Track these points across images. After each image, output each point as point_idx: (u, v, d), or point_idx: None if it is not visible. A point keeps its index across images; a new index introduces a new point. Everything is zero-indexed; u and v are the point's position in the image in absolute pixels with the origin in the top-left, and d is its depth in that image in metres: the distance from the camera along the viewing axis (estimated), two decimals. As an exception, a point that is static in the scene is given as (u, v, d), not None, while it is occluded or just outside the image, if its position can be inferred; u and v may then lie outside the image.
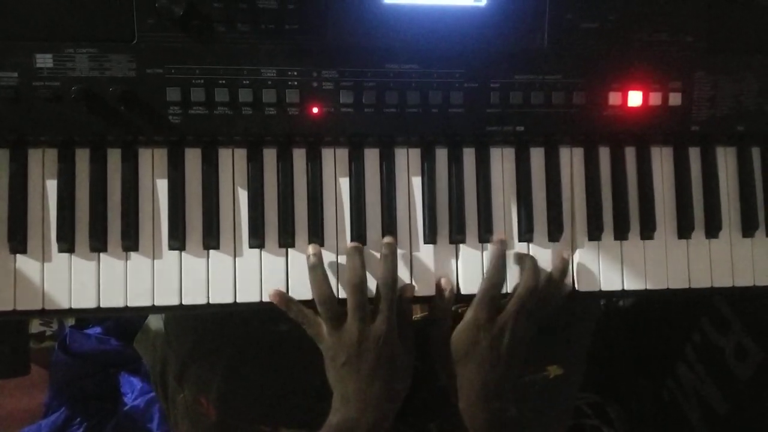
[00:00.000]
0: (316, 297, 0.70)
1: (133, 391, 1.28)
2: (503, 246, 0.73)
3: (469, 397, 0.71)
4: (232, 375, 0.81)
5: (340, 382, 0.70)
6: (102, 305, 0.70)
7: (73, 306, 0.70)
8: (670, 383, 1.30)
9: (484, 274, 0.74)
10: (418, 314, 0.82)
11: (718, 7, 0.74)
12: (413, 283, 0.75)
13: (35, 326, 1.35)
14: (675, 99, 0.75)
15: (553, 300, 0.75)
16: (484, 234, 0.75)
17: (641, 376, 1.37)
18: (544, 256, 0.76)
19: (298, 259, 0.73)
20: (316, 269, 0.70)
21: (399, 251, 0.74)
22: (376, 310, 0.70)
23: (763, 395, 1.07)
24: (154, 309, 0.71)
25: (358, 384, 0.69)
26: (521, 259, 0.75)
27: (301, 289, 0.72)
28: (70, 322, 1.33)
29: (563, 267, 0.75)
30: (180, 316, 0.84)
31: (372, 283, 0.72)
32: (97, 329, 1.32)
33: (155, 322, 0.89)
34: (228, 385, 0.81)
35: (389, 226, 0.74)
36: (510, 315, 0.71)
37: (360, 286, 0.69)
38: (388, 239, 0.72)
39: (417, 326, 0.74)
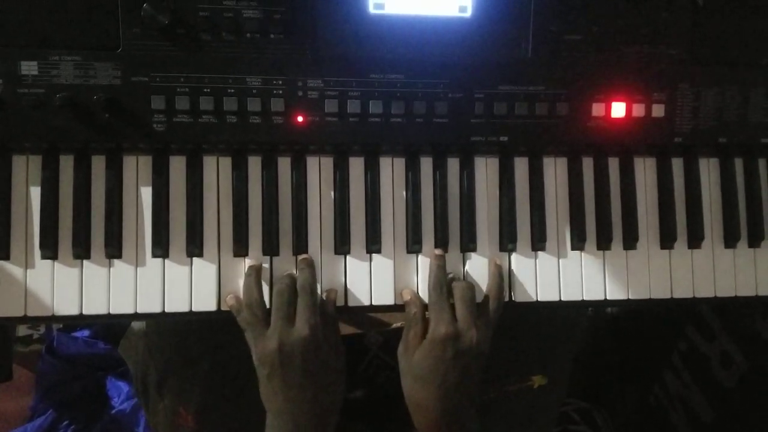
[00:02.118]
0: (245, 300, 0.70)
1: (120, 394, 1.28)
2: (441, 260, 0.73)
3: (429, 417, 0.70)
4: (212, 386, 0.81)
5: (270, 398, 0.69)
6: (85, 312, 0.70)
7: (55, 313, 0.70)
8: (657, 390, 1.30)
9: (430, 289, 0.73)
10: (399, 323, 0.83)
11: (701, 19, 0.75)
12: (403, 290, 0.75)
13: (22, 330, 1.34)
14: (658, 110, 0.75)
15: (491, 312, 0.73)
16: (468, 244, 0.75)
17: (628, 383, 1.38)
18: (528, 265, 0.77)
19: (282, 267, 0.73)
20: (250, 276, 0.70)
21: (385, 260, 0.75)
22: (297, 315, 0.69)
23: (748, 403, 1.07)
24: (136, 316, 0.71)
25: (288, 395, 0.68)
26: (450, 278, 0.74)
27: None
28: (58, 325, 1.33)
29: (496, 272, 0.75)
30: (160, 326, 0.84)
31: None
32: (85, 332, 1.32)
33: (138, 329, 0.88)
34: (207, 397, 0.81)
35: (373, 235, 0.74)
36: (470, 325, 0.69)
37: (283, 290, 0.69)
38: (303, 256, 0.73)
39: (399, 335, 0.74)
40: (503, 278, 0.75)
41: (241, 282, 0.72)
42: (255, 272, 0.71)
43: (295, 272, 0.72)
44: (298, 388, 0.68)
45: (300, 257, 0.72)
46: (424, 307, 0.72)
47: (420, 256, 0.75)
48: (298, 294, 0.69)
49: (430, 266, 0.73)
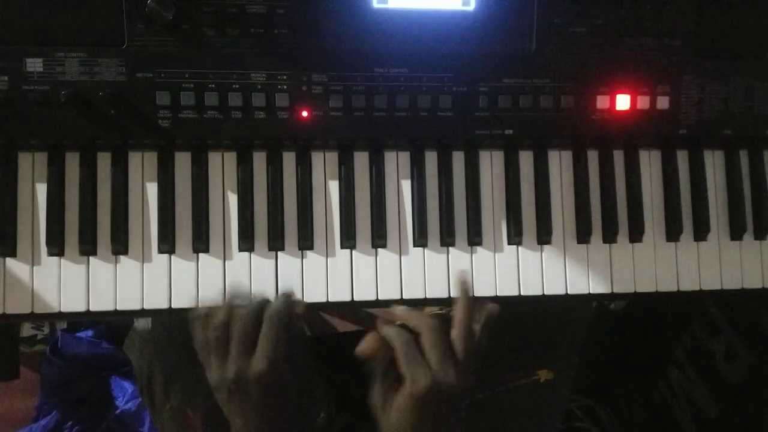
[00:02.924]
0: (212, 321, 0.64)
1: (124, 394, 1.28)
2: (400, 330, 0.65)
3: None
4: None
5: (230, 416, 0.66)
6: (91, 309, 0.70)
7: (62, 309, 0.70)
8: (661, 386, 1.30)
9: (397, 344, 0.63)
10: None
11: (705, 11, 0.75)
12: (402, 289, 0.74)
13: (26, 330, 1.35)
14: (663, 102, 0.75)
15: (468, 348, 0.65)
16: (474, 237, 0.75)
17: (632, 379, 1.38)
18: (534, 258, 0.77)
19: (288, 262, 0.73)
20: (229, 297, 0.66)
21: (391, 254, 0.75)
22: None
23: (753, 398, 1.07)
24: (143, 312, 0.71)
25: (247, 419, 0.64)
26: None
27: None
28: (62, 325, 1.33)
29: (464, 287, 0.68)
30: (167, 325, 0.83)
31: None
32: (89, 332, 1.32)
33: (141, 328, 0.88)
34: (215, 399, 0.80)
35: (379, 230, 0.74)
36: (448, 370, 0.62)
37: (247, 318, 0.63)
38: (285, 291, 0.67)
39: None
40: (469, 297, 0.68)
41: (246, 278, 0.72)
42: (231, 295, 0.66)
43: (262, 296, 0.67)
44: (256, 415, 0.64)
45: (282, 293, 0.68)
46: (391, 352, 0.64)
47: (426, 250, 0.75)
48: (263, 323, 0.63)
49: (390, 333, 0.65)
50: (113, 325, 1.30)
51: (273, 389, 0.64)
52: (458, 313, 0.66)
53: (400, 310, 0.69)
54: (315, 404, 0.71)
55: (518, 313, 0.87)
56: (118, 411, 1.27)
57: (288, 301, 0.66)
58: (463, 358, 0.64)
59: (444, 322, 0.65)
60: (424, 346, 0.63)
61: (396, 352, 0.63)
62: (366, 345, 0.65)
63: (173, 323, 0.84)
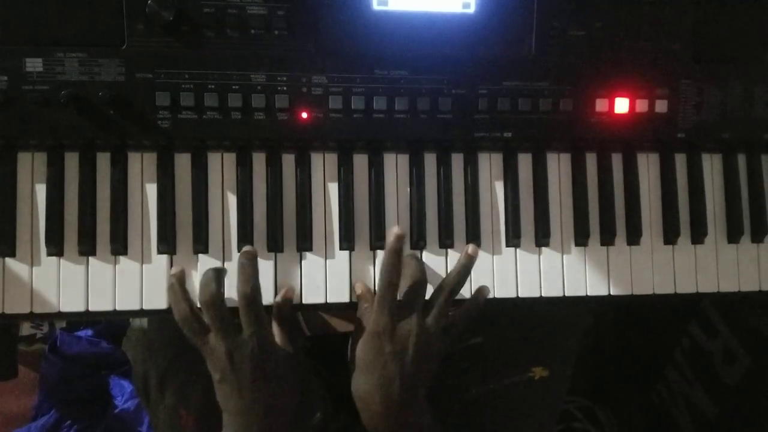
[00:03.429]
0: (177, 318, 0.67)
1: (123, 394, 1.28)
2: (399, 242, 0.68)
3: (371, 410, 0.68)
4: (212, 387, 0.81)
5: (224, 400, 0.68)
6: (90, 309, 0.70)
7: (61, 309, 0.70)
8: (660, 387, 1.31)
9: (379, 277, 0.69)
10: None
11: (704, 15, 0.75)
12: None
13: (26, 329, 1.35)
14: (661, 106, 0.75)
15: (445, 304, 0.71)
16: (472, 239, 0.75)
17: (631, 380, 1.38)
18: (532, 260, 0.77)
19: (287, 263, 0.73)
20: (172, 289, 0.68)
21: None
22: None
23: (751, 400, 1.08)
24: (142, 312, 0.72)
25: (241, 398, 0.67)
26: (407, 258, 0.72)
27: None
28: (61, 324, 1.33)
29: (467, 262, 0.72)
30: (161, 325, 0.83)
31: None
32: (88, 332, 1.32)
33: (137, 329, 0.88)
34: (208, 399, 0.81)
35: (378, 232, 0.74)
36: (413, 320, 0.68)
37: (210, 302, 0.66)
38: (247, 247, 0.70)
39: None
40: (468, 271, 0.73)
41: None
42: (178, 285, 0.68)
43: (209, 274, 0.69)
44: (250, 391, 0.67)
45: (244, 249, 0.70)
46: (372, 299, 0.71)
47: (425, 252, 0.75)
48: (238, 301, 0.67)
49: (384, 256, 0.69)
50: (112, 324, 1.30)
51: (263, 362, 0.66)
52: (451, 274, 0.71)
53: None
54: (310, 402, 0.71)
55: (513, 311, 0.87)
56: (116, 410, 1.27)
57: (255, 268, 0.68)
58: (430, 316, 0.69)
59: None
60: (403, 294, 0.69)
61: (377, 286, 0.68)
62: (359, 285, 0.73)
63: (167, 324, 0.84)
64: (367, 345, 0.68)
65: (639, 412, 1.36)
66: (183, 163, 0.73)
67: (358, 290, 0.73)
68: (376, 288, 0.70)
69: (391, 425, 0.68)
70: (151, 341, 0.86)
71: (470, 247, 0.73)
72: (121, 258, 0.71)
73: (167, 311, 0.71)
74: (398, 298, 0.69)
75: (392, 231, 0.69)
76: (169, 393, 0.84)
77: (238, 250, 0.72)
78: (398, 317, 0.68)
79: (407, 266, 0.71)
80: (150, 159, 0.72)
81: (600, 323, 1.37)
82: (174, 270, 0.70)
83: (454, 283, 0.71)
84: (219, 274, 0.69)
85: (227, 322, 0.67)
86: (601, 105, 0.74)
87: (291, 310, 0.73)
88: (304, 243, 0.73)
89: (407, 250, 0.75)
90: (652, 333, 1.32)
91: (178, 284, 0.68)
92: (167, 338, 0.84)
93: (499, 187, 0.77)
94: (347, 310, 0.74)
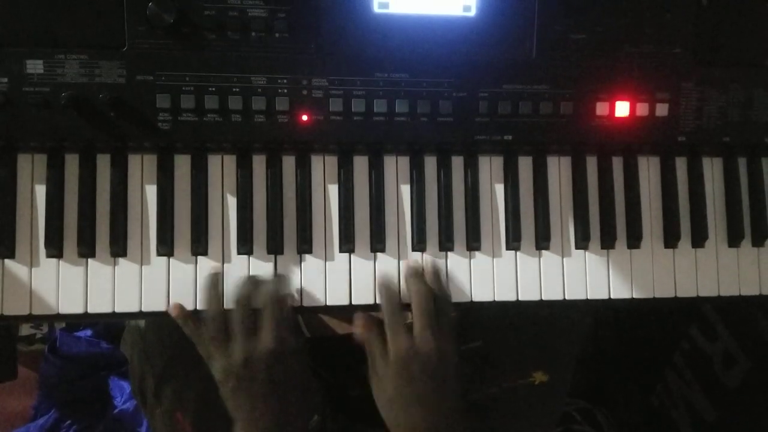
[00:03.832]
0: (208, 314, 0.69)
1: (122, 394, 1.28)
2: (386, 281, 0.71)
3: None
4: (209, 391, 0.80)
5: (237, 408, 0.68)
6: (89, 310, 0.70)
7: (60, 311, 0.70)
8: (659, 390, 1.31)
9: (382, 308, 0.70)
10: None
11: (705, 19, 0.75)
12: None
13: (25, 329, 1.35)
14: (662, 110, 0.75)
15: (446, 313, 0.71)
16: (473, 242, 0.75)
17: (630, 383, 1.38)
18: (532, 264, 0.77)
19: (287, 265, 0.73)
20: (211, 289, 0.69)
21: (389, 258, 0.75)
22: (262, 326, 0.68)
23: (750, 403, 1.07)
24: (141, 315, 0.71)
25: (254, 407, 0.67)
26: (410, 272, 0.73)
27: (289, 296, 0.72)
28: (61, 324, 1.33)
29: (432, 271, 0.73)
30: (157, 329, 0.83)
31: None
32: (88, 332, 1.32)
33: (133, 329, 0.88)
34: (204, 402, 0.81)
35: (378, 234, 0.74)
36: (428, 335, 0.68)
37: (241, 302, 0.68)
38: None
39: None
40: (441, 275, 0.74)
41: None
42: (216, 283, 0.70)
43: (256, 276, 0.71)
44: (263, 399, 0.67)
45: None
46: (381, 327, 0.70)
47: (425, 255, 0.75)
48: (263, 304, 0.68)
49: (378, 283, 0.72)
50: (112, 324, 1.30)
51: (279, 369, 0.67)
52: (438, 291, 0.71)
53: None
54: (310, 403, 0.71)
55: (514, 316, 0.87)
56: (116, 411, 1.27)
57: (280, 281, 0.69)
58: (440, 329, 0.69)
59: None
60: (414, 314, 0.69)
61: (384, 317, 0.69)
62: (357, 322, 0.71)
63: (164, 327, 0.84)
64: (394, 373, 0.68)
65: (638, 414, 1.36)
66: (183, 165, 0.73)
67: (358, 326, 0.72)
68: (384, 318, 0.70)
69: None
70: (147, 345, 0.86)
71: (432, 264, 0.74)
72: (121, 260, 0.71)
73: (166, 314, 0.71)
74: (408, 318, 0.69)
75: (379, 283, 0.72)
76: (165, 396, 0.84)
77: (238, 253, 0.72)
78: (415, 338, 0.68)
79: (410, 285, 0.71)
80: (150, 161, 0.72)
81: (600, 325, 1.36)
82: (213, 270, 0.71)
83: (422, 282, 0.72)
84: (255, 278, 0.70)
85: (251, 325, 0.67)
86: (601, 108, 0.74)
87: (293, 313, 0.73)
88: (304, 245, 0.73)
89: (407, 253, 0.75)
90: (652, 335, 1.32)
91: (214, 284, 0.69)
92: (164, 342, 0.84)
93: (500, 190, 0.77)
94: (346, 312, 0.74)
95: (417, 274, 0.72)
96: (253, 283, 0.70)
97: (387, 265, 0.75)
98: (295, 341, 0.71)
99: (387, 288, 0.71)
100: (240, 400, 0.68)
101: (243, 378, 0.67)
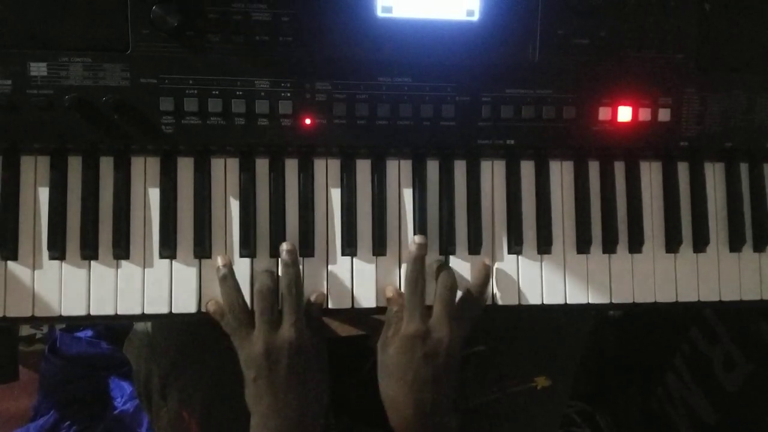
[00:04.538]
0: (226, 306, 0.70)
1: (122, 395, 1.28)
2: (421, 250, 0.71)
3: (402, 413, 0.70)
4: (215, 390, 0.81)
5: (256, 400, 0.69)
6: (92, 313, 0.70)
7: (63, 313, 0.70)
8: (660, 392, 1.31)
9: (404, 283, 0.72)
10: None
11: (708, 24, 0.75)
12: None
13: (25, 329, 1.35)
14: (664, 115, 0.75)
15: (471, 312, 0.73)
16: (475, 246, 0.75)
17: (631, 385, 1.38)
18: (534, 268, 0.77)
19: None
20: (227, 280, 0.70)
21: (390, 261, 0.75)
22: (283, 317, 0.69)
23: (750, 406, 1.08)
24: (144, 317, 0.72)
25: (274, 399, 0.68)
26: (437, 267, 0.74)
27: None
28: (61, 325, 1.33)
29: (485, 273, 0.74)
30: (164, 329, 0.84)
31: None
32: (88, 332, 1.32)
33: (140, 330, 0.88)
34: (211, 401, 0.81)
35: (380, 238, 0.74)
36: (444, 325, 0.69)
37: (265, 292, 0.69)
38: (287, 246, 0.71)
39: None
40: (488, 280, 0.75)
41: (248, 284, 0.72)
42: (230, 275, 0.70)
43: (275, 269, 0.72)
44: (284, 390, 0.68)
45: (284, 249, 0.71)
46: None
47: (427, 259, 0.75)
48: (283, 295, 0.69)
49: (408, 257, 0.72)
50: (112, 325, 1.30)
51: (299, 359, 0.68)
52: (475, 283, 0.73)
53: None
54: (326, 400, 0.73)
55: (516, 321, 0.87)
56: (116, 411, 1.27)
57: (298, 269, 0.70)
58: (459, 323, 0.70)
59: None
60: (435, 299, 0.71)
61: (405, 292, 0.71)
62: (389, 289, 0.73)
63: (171, 326, 0.84)
64: (400, 349, 0.69)
65: (638, 417, 1.36)
66: (186, 167, 0.73)
67: (389, 293, 0.74)
68: (404, 294, 0.71)
69: (421, 428, 0.69)
70: (154, 344, 0.86)
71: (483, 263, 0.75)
72: (123, 262, 0.71)
73: (168, 316, 0.71)
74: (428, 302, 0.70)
75: (415, 239, 0.72)
76: (171, 396, 0.84)
77: (241, 255, 0.72)
78: (430, 322, 0.69)
79: (438, 273, 0.72)
80: (153, 163, 0.72)
81: (600, 328, 1.37)
82: (223, 260, 0.71)
83: (480, 290, 0.73)
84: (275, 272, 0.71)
85: (275, 315, 0.69)
86: (604, 113, 0.74)
87: (319, 313, 0.73)
88: (307, 248, 0.73)
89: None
90: (653, 338, 1.32)
91: (230, 273, 0.70)
92: (170, 341, 0.84)
93: (502, 195, 0.77)
94: (348, 315, 0.74)
95: (449, 269, 0.73)
96: (270, 274, 0.71)
97: (389, 269, 0.75)
98: (318, 337, 0.72)
99: (415, 265, 0.71)
100: (260, 390, 0.68)
101: (263, 367, 0.68)
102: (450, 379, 0.70)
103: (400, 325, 0.71)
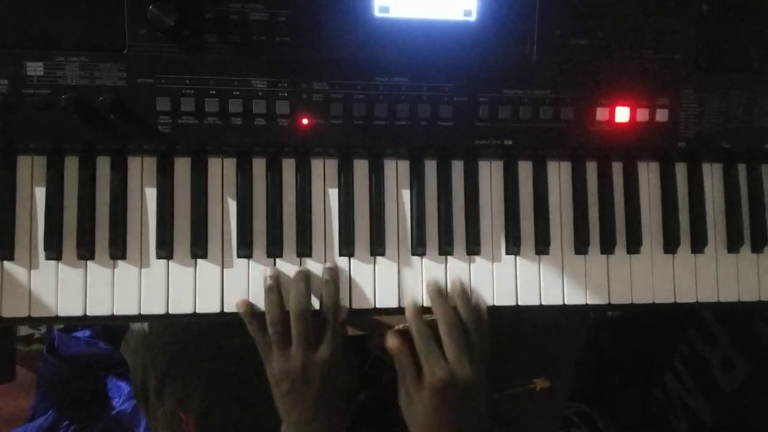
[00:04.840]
0: (268, 319, 0.70)
1: (120, 395, 1.28)
2: (415, 308, 0.71)
3: None
4: (212, 390, 0.81)
5: (287, 410, 0.70)
6: (89, 313, 0.70)
7: (59, 314, 0.70)
8: (658, 394, 1.31)
9: (414, 335, 0.70)
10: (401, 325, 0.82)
11: (706, 25, 0.75)
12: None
13: (23, 329, 1.34)
14: (662, 115, 0.75)
15: (473, 325, 0.72)
16: (472, 247, 0.75)
17: (629, 387, 1.38)
18: (532, 269, 0.77)
19: (286, 269, 0.73)
20: (273, 291, 0.70)
21: (389, 262, 0.75)
22: (320, 336, 0.70)
23: (749, 408, 1.07)
24: (140, 317, 0.71)
25: (304, 412, 0.69)
26: (433, 292, 0.73)
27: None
28: (59, 324, 1.33)
29: (459, 289, 0.73)
30: (161, 329, 0.84)
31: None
32: (86, 332, 1.32)
33: (137, 330, 0.88)
34: (208, 401, 0.81)
35: (377, 238, 0.74)
36: (463, 362, 0.68)
37: (304, 313, 0.69)
38: (329, 264, 0.72)
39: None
40: (469, 299, 0.73)
41: (245, 284, 0.72)
42: (276, 288, 0.70)
43: (301, 284, 0.71)
44: (313, 406, 0.69)
45: (326, 266, 0.72)
46: (413, 349, 0.71)
47: (424, 259, 0.75)
48: (324, 313, 0.71)
49: (407, 316, 0.72)
50: (110, 325, 1.30)
51: (331, 379, 0.69)
52: (466, 312, 0.71)
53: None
54: (353, 411, 0.74)
55: (515, 322, 0.87)
56: (114, 411, 1.27)
57: (338, 300, 0.71)
58: (474, 355, 0.69)
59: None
60: (444, 340, 0.69)
61: (416, 347, 0.69)
62: (390, 340, 0.72)
63: (168, 327, 0.84)
64: (430, 401, 0.68)
65: (637, 418, 1.36)
66: (183, 167, 0.73)
67: (392, 346, 0.72)
68: (418, 347, 0.70)
69: None
70: (150, 344, 0.86)
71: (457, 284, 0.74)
72: (120, 262, 0.71)
73: (165, 316, 0.71)
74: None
75: (407, 303, 0.72)
76: (168, 396, 0.84)
77: (238, 256, 0.72)
78: (450, 367, 0.68)
79: (435, 309, 0.72)
80: (150, 163, 0.72)
81: (599, 329, 1.36)
82: (271, 272, 0.71)
83: (474, 316, 0.72)
84: (308, 283, 0.71)
85: (311, 335, 0.69)
86: (601, 114, 0.74)
87: (343, 327, 0.73)
88: (304, 249, 0.73)
89: (407, 258, 0.75)
90: (651, 339, 1.32)
91: (276, 286, 0.70)
92: (167, 341, 0.84)
93: (499, 195, 0.77)
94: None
95: (440, 294, 0.72)
96: (306, 287, 0.71)
97: (387, 269, 0.74)
98: (345, 349, 0.73)
99: (415, 313, 0.71)
100: (293, 402, 0.70)
101: (298, 382, 0.69)
102: (482, 410, 0.71)
103: (413, 373, 0.70)
